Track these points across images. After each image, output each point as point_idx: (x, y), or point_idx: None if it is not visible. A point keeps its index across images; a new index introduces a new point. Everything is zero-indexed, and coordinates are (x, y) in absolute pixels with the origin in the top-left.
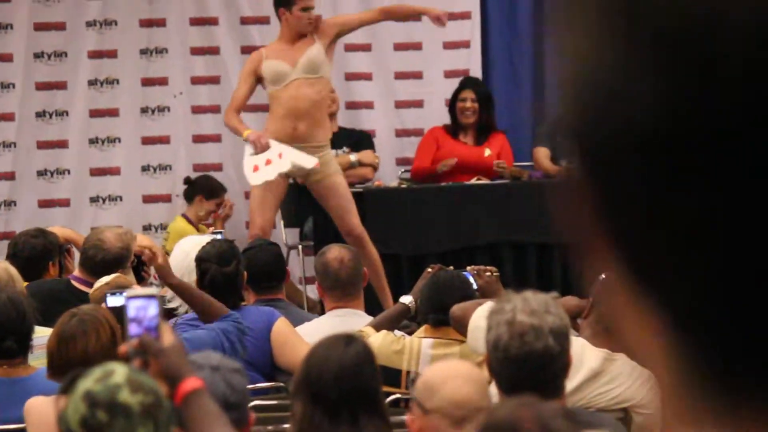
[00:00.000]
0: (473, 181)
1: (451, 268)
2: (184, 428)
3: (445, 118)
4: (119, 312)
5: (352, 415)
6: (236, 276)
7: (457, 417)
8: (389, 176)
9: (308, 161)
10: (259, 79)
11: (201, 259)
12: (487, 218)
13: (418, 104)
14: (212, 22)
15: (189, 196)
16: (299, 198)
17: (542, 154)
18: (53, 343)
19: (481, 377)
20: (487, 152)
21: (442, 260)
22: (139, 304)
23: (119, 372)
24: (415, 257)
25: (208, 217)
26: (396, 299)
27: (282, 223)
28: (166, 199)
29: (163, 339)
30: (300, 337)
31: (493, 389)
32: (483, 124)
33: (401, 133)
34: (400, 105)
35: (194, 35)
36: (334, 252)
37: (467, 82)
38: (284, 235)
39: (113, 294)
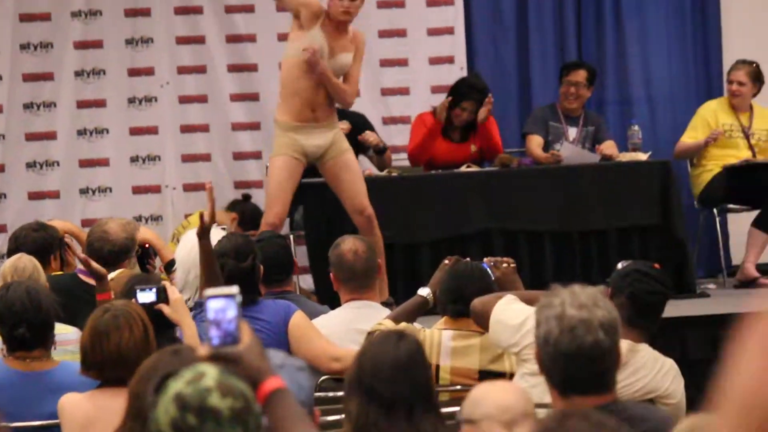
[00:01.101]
0: (463, 168)
1: (468, 259)
2: (267, 429)
3: (431, 105)
4: (149, 308)
5: (408, 410)
6: (253, 270)
7: (505, 420)
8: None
9: None
10: (296, 16)
11: (218, 254)
12: (477, 206)
13: (404, 91)
14: (197, 10)
15: (231, 208)
16: None
17: (535, 142)
18: (86, 339)
19: (520, 388)
20: (473, 148)
21: (434, 249)
22: (218, 306)
23: (210, 375)
24: (408, 246)
25: None
26: (391, 287)
27: None
28: (156, 189)
29: (242, 339)
30: (317, 331)
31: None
32: (471, 121)
33: (388, 121)
34: (386, 92)
35: (179, 25)
36: (349, 244)
37: (474, 92)
38: None
39: (143, 290)
